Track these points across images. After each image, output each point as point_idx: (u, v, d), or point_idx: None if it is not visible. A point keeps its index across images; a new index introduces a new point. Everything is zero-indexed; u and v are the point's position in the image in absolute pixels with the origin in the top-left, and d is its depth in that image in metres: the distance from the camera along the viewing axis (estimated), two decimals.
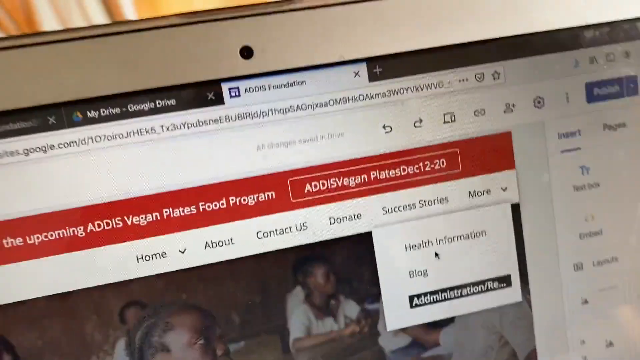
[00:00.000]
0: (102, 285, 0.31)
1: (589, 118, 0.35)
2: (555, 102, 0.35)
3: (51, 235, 0.31)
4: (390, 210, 0.34)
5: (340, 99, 0.33)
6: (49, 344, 0.31)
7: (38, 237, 0.31)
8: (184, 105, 0.31)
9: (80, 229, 0.31)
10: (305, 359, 0.34)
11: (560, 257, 0.36)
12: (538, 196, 0.36)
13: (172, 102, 0.31)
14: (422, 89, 0.33)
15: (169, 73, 0.31)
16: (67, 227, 0.31)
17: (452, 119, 0.34)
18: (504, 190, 0.35)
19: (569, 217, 0.36)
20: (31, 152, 0.30)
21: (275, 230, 0.33)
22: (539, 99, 0.35)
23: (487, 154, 0.35)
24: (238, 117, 0.32)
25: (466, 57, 0.34)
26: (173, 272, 0.32)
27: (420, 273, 0.35)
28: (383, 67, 0.33)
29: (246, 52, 0.31)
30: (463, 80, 0.34)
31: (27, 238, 0.30)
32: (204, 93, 0.31)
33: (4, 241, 0.30)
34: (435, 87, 0.34)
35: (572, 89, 0.35)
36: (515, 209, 0.35)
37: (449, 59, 0.33)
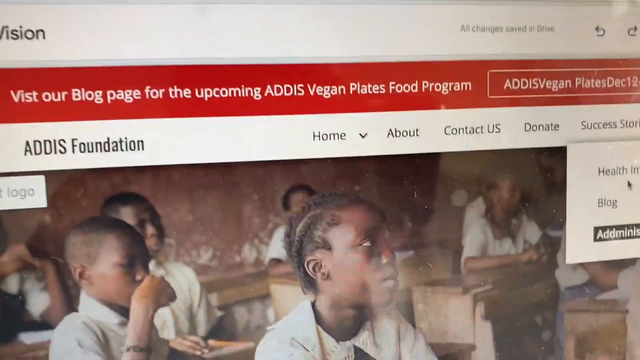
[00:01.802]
0: (270, 161, 0.27)
1: None
2: None
3: (224, 92, 0.26)
4: (589, 126, 0.30)
5: None
6: (200, 220, 0.27)
7: (209, 92, 0.26)
8: None
9: (257, 90, 0.27)
10: (474, 281, 0.30)
11: None
12: None
13: None
14: None
15: None
16: (242, 86, 0.26)
17: None
18: None
19: None
20: None
21: (466, 128, 0.29)
22: None
23: None
24: None
25: None
26: (349, 158, 0.28)
27: (609, 203, 0.31)
28: None
29: None
30: None
31: (196, 91, 0.26)
32: None
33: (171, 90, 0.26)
34: None
35: None
36: None
37: None
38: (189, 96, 0.26)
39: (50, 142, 0.25)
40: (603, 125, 0.30)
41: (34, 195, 0.25)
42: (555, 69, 0.29)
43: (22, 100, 0.25)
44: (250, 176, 0.27)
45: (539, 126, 0.29)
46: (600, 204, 0.31)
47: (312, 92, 0.27)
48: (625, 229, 0.31)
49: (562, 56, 0.29)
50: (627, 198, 0.31)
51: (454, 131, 0.29)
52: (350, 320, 0.29)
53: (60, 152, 0.25)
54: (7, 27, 0.24)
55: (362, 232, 0.28)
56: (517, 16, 0.28)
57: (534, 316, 0.31)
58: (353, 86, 0.27)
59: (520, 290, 0.30)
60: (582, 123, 0.30)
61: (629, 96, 0.30)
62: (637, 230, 0.31)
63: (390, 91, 0.28)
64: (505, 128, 0.29)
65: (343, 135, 0.28)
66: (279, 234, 0.28)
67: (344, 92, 0.27)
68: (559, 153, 0.30)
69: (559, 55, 0.29)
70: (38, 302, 0.26)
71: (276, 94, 0.27)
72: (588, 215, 0.31)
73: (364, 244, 0.28)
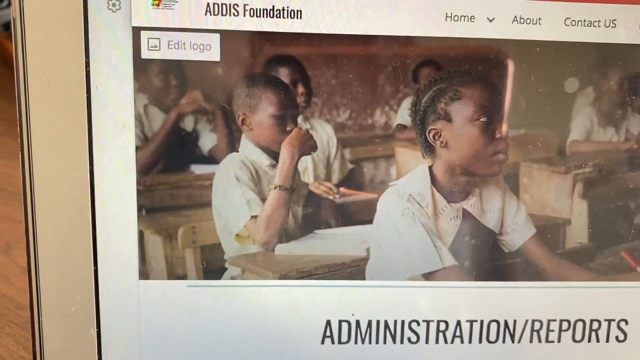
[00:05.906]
0: (405, 37, 0.31)
1: None
2: None
3: None
4: None
5: None
6: (341, 85, 0.31)
7: None
8: None
9: None
10: (576, 163, 0.33)
11: None
12: None
13: None
14: None
15: None
16: None
17: None
18: None
19: None
20: None
21: (584, 20, 0.31)
22: None
23: None
24: None
25: None
26: (476, 39, 0.31)
27: None
28: None
29: None
30: None
31: None
32: None
33: None
34: None
35: None
36: None
37: None
38: None
39: (226, 5, 0.30)
40: None
41: (211, 50, 0.30)
42: None
43: None
44: (387, 49, 0.31)
45: None
46: None
47: None
48: None
49: None
50: None
51: (573, 23, 0.31)
52: (461, 185, 0.33)
53: (234, 14, 0.30)
54: None
55: (480, 108, 0.32)
56: None
57: (629, 201, 0.34)
58: None
59: (618, 176, 0.33)
60: None
61: None
62: None
63: None
64: (621, 23, 0.32)
65: (472, 18, 0.31)
66: (407, 103, 0.32)
67: None
68: None
69: None
70: (207, 140, 0.31)
71: None
72: None
73: (481, 119, 0.32)
